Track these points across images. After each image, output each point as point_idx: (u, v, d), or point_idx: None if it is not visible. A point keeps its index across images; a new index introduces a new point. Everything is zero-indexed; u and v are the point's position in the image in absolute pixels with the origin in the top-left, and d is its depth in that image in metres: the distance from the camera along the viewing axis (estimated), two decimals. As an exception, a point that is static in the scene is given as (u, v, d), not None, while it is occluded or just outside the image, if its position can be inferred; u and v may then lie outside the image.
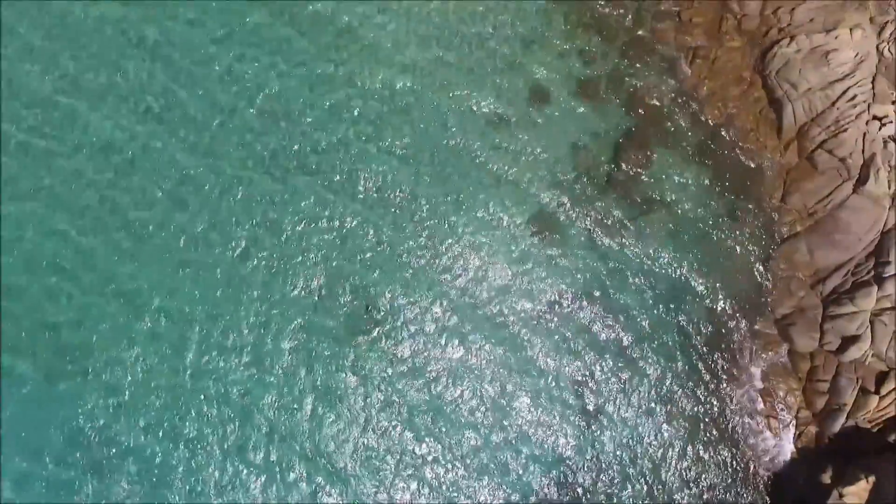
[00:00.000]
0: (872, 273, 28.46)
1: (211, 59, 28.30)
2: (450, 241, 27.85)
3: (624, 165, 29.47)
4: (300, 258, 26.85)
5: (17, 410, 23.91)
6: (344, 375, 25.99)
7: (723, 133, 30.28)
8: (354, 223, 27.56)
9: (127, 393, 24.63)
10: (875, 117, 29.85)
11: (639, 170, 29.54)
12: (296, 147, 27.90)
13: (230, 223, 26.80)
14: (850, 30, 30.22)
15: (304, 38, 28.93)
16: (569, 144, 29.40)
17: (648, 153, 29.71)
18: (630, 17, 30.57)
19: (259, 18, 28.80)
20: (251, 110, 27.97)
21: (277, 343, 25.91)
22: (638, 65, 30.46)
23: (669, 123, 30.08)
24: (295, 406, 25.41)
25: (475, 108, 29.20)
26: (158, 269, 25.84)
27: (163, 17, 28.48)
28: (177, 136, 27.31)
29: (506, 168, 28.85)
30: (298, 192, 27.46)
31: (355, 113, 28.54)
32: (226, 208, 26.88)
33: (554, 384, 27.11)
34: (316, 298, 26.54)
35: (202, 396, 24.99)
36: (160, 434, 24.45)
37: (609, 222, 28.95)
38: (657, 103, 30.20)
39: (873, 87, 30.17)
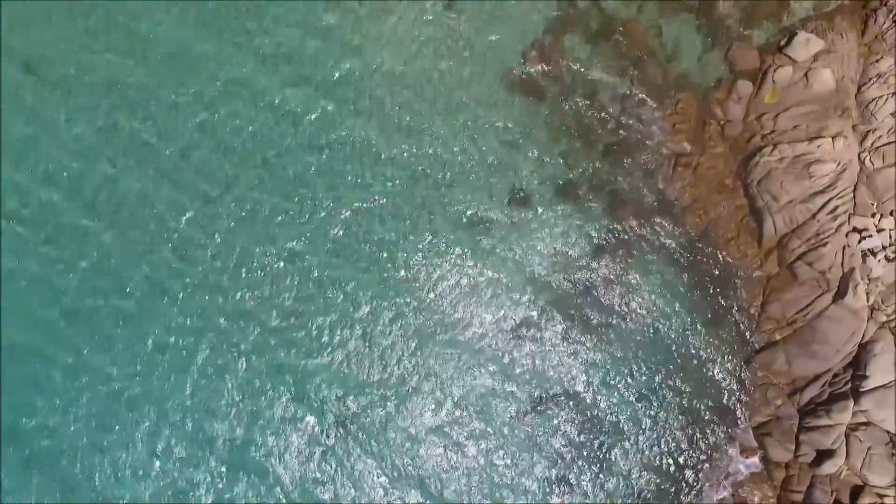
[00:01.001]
0: (850, 385, 28.76)
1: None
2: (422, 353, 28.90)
3: (603, 268, 30.13)
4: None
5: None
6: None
7: (704, 240, 30.77)
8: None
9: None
10: (855, 229, 30.12)
11: (618, 273, 30.20)
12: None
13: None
14: (833, 138, 30.54)
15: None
16: (548, 247, 30.12)
17: (628, 257, 30.35)
18: (613, 121, 31.17)
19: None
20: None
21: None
22: (620, 170, 31.08)
23: (650, 229, 30.65)
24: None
25: (456, 208, 30.06)
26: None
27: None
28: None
29: (485, 270, 29.64)
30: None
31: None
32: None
33: (527, 483, 28.02)
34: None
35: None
36: None
37: (587, 325, 29.67)
38: (638, 209, 30.77)
39: (854, 197, 30.46)
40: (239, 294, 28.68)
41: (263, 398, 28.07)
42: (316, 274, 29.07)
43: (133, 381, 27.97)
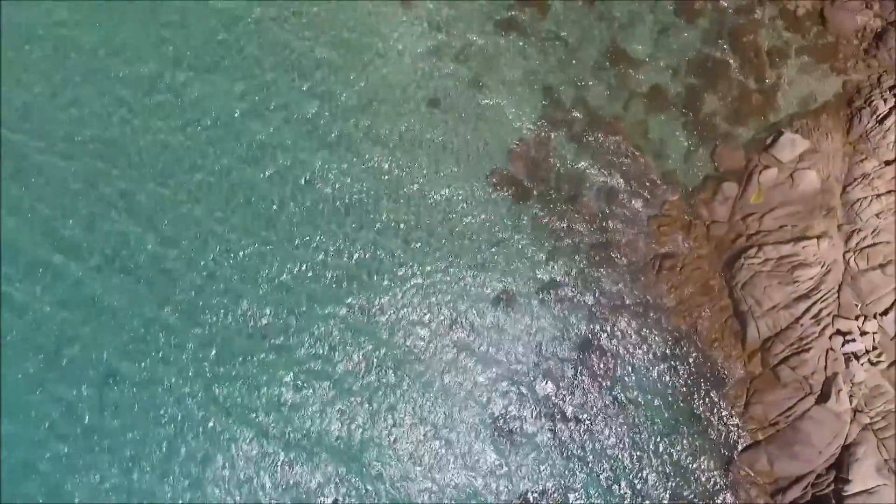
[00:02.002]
0: (832, 487, 29.11)
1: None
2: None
3: (587, 367, 30.56)
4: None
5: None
6: None
7: (688, 340, 31.09)
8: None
9: None
10: (839, 332, 30.41)
11: (602, 372, 30.60)
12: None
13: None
14: (818, 239, 30.83)
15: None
16: (532, 346, 30.51)
17: (613, 356, 30.77)
18: (598, 221, 31.56)
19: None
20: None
21: None
22: (605, 270, 31.44)
23: (634, 328, 31.05)
24: None
25: (439, 309, 30.54)
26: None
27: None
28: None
29: (467, 368, 30.11)
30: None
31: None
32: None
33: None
34: None
35: None
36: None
37: (569, 423, 30.04)
38: (623, 309, 31.18)
39: (839, 298, 30.74)
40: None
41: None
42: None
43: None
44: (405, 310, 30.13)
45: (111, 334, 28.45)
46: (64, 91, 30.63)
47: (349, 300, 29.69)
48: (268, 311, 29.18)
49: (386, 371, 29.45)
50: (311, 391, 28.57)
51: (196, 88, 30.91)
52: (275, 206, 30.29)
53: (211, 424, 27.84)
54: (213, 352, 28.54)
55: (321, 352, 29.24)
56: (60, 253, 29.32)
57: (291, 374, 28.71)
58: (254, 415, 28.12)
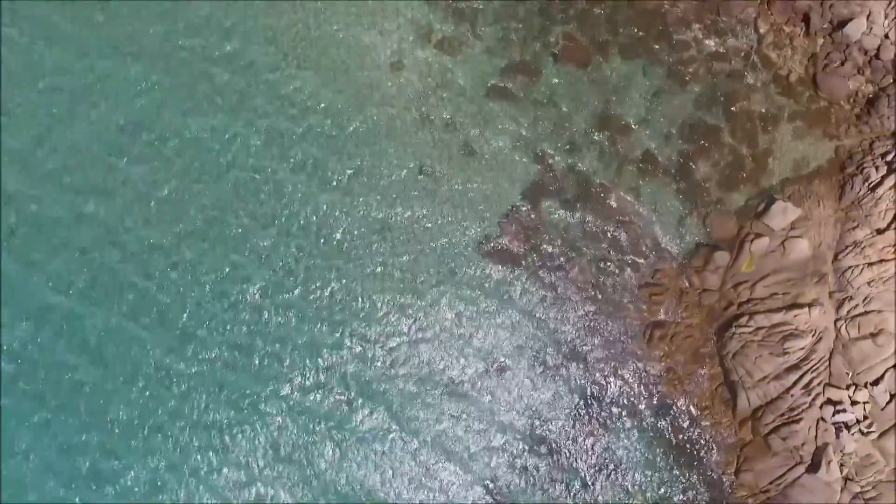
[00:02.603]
0: (823, 557, 29.32)
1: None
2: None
3: (576, 434, 30.79)
4: None
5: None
6: None
7: (678, 407, 31.31)
8: None
9: None
10: (830, 401, 30.58)
11: (592, 438, 30.84)
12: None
13: None
14: (809, 306, 30.93)
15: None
16: (522, 412, 30.72)
17: (603, 423, 31.00)
18: (589, 289, 31.68)
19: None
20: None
21: None
22: (596, 338, 31.59)
23: (625, 395, 31.25)
24: None
25: (428, 380, 30.75)
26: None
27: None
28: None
29: (453, 437, 30.31)
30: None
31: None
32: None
33: None
34: None
35: None
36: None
37: (559, 482, 30.27)
38: (614, 377, 31.36)
39: (829, 367, 30.88)
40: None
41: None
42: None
43: None
44: (395, 370, 30.19)
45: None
46: (55, 135, 30.55)
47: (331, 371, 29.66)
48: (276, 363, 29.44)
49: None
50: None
51: (186, 130, 31.03)
52: (261, 301, 30.22)
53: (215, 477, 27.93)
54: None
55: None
56: (46, 324, 29.44)
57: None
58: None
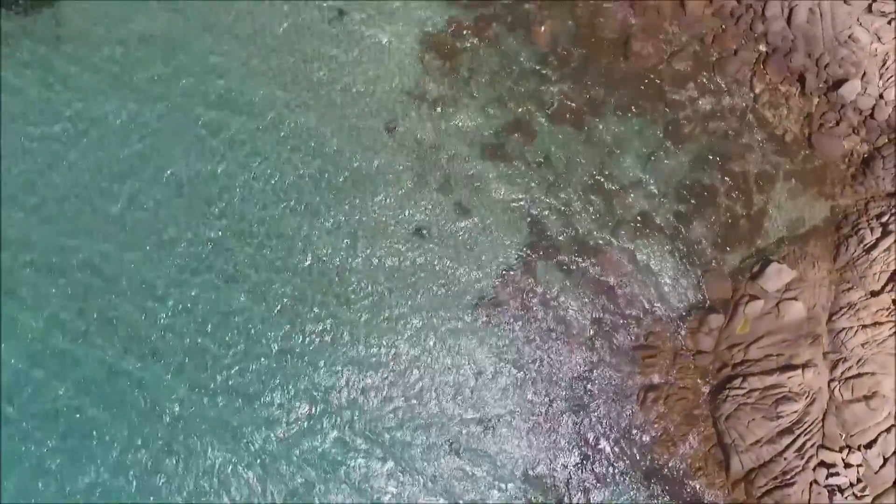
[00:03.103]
0: None
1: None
2: None
3: (567, 494, 30.95)
4: None
5: None
6: None
7: (671, 468, 31.43)
8: None
9: None
10: (823, 463, 30.67)
11: (583, 499, 30.99)
12: None
13: None
14: (803, 368, 31.01)
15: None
16: (515, 476, 30.80)
17: (595, 487, 31.16)
18: (582, 353, 31.79)
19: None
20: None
21: None
22: (588, 401, 31.71)
23: (618, 457, 31.40)
24: None
25: (422, 440, 30.90)
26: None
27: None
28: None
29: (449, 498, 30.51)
30: None
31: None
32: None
33: None
34: None
35: None
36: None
37: None
38: (607, 439, 31.51)
39: (823, 428, 30.96)
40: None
41: None
42: None
43: None
44: (383, 423, 30.48)
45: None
46: (51, 206, 30.79)
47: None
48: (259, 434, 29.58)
49: None
50: None
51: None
52: (256, 343, 30.42)
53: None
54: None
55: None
56: (42, 368, 29.65)
57: None
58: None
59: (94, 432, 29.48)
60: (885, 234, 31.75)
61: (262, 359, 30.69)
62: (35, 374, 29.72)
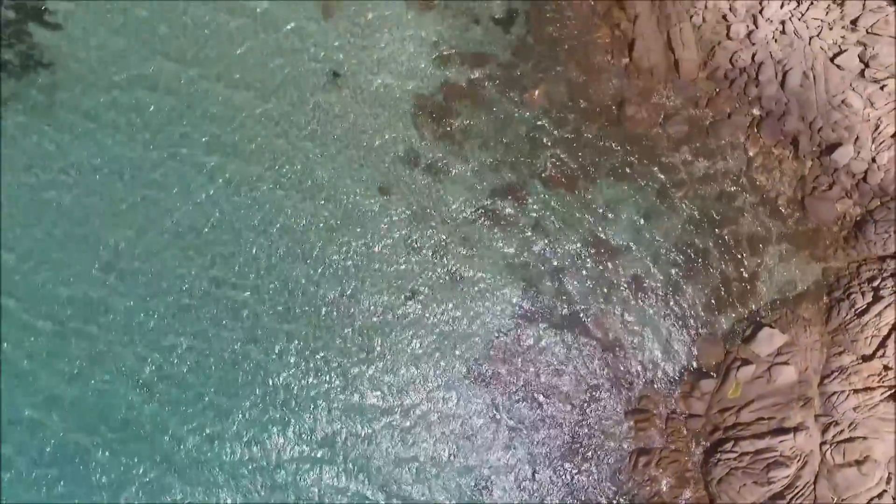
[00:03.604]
0: None
1: None
2: None
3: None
4: None
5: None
6: None
7: (666, 527, 31.70)
8: None
9: None
10: (816, 524, 30.89)
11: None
12: None
13: None
14: (794, 431, 31.22)
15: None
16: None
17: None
18: (574, 416, 32.00)
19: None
20: None
21: None
22: (581, 465, 31.93)
23: (611, 520, 31.69)
24: None
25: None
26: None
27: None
28: None
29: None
30: None
31: None
32: None
33: None
34: None
35: None
36: None
37: None
38: (599, 501, 31.76)
39: (815, 491, 31.19)
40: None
41: None
42: None
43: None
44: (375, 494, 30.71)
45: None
46: (44, 251, 31.08)
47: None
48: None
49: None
50: None
51: (167, 256, 31.61)
52: (252, 390, 30.77)
53: None
54: None
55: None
56: (35, 409, 30.05)
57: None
58: None
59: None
60: (877, 299, 31.87)
61: (253, 403, 30.92)
62: (28, 415, 30.02)
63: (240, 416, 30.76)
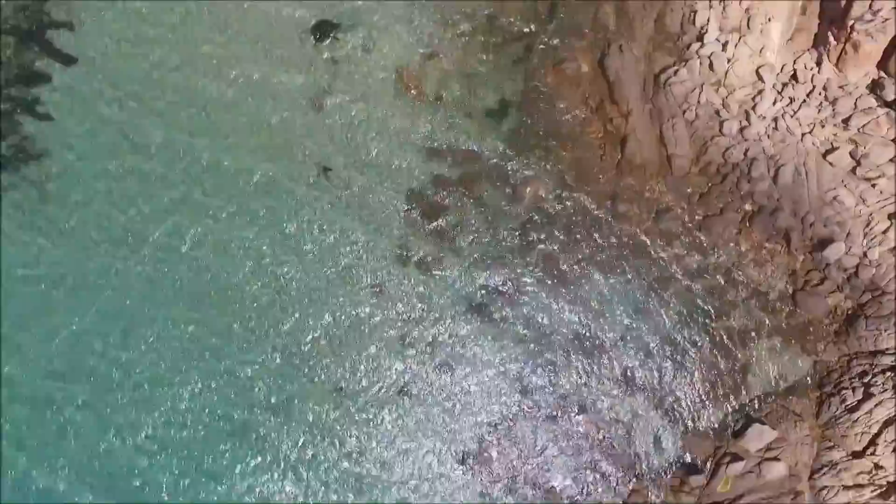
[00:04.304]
0: None
1: None
2: None
3: None
4: None
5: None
6: None
7: None
8: None
9: None
10: None
11: None
12: None
13: None
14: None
15: None
16: None
17: None
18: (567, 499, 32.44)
19: None
20: None
21: None
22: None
23: None
24: None
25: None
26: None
27: None
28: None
29: None
30: None
31: None
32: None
33: None
34: None
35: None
36: None
37: None
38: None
39: None
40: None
41: None
42: None
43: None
44: None
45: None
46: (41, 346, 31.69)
47: None
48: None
49: None
50: None
51: (161, 349, 31.90)
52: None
53: None
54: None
55: None
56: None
57: None
58: None
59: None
60: (868, 396, 32.07)
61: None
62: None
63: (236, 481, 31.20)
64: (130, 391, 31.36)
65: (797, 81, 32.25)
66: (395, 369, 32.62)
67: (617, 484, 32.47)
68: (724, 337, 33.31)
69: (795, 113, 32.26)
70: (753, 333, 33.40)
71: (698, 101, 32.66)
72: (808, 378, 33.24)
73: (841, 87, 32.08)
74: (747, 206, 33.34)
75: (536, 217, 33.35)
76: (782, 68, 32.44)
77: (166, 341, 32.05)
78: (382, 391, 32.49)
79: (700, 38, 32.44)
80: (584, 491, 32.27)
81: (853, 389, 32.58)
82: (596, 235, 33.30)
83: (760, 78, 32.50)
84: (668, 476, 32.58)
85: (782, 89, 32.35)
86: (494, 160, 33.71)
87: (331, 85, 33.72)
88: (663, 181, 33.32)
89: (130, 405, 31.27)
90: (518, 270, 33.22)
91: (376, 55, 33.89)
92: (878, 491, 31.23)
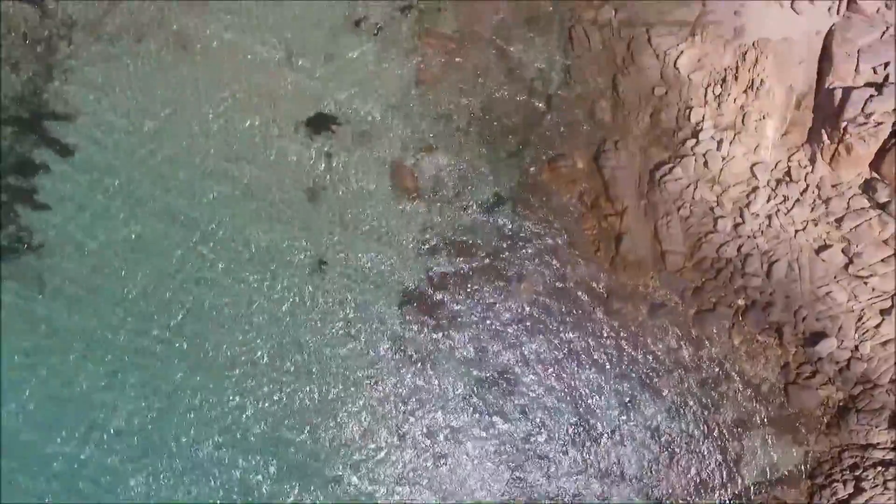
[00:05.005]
0: None
1: None
2: None
3: None
4: None
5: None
6: None
7: None
8: None
9: None
10: None
11: None
12: None
13: None
14: None
15: None
16: None
17: None
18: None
19: None
20: None
21: None
22: None
23: None
24: None
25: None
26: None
27: None
28: None
29: None
30: None
31: None
32: None
33: None
34: None
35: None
36: None
37: None
38: None
39: None
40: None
41: None
42: None
43: None
44: None
45: None
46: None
47: None
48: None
49: None
50: None
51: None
52: None
53: None
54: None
55: None
56: None
57: None
58: None
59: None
60: (859, 490, 32.56)
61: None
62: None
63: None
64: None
65: (791, 180, 32.36)
66: (389, 462, 33.12)
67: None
68: (716, 428, 33.80)
69: (789, 211, 32.43)
70: (745, 424, 33.83)
71: (693, 198, 32.83)
72: (800, 468, 33.62)
73: (834, 185, 32.22)
74: (740, 301, 33.65)
75: (531, 311, 33.73)
76: (776, 165, 32.53)
77: (166, 408, 32.63)
78: (375, 482, 33.01)
79: (695, 134, 32.49)
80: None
81: (844, 483, 33.10)
82: (589, 330, 33.66)
83: (755, 175, 32.61)
84: (661, 564, 33.18)
85: (776, 187, 32.47)
86: (489, 255, 34.06)
87: (326, 178, 33.87)
88: (657, 276, 33.54)
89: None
90: (513, 363, 33.66)
91: (371, 147, 34.07)
92: (867, 584, 31.83)
